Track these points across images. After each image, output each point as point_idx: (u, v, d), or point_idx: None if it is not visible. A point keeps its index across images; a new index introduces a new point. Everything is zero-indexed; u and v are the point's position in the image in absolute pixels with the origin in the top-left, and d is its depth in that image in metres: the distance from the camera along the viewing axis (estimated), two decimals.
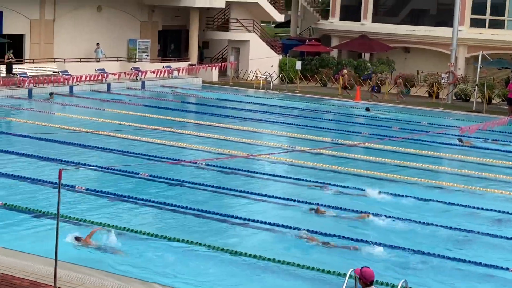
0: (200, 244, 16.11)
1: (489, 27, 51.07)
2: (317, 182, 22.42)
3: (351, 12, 56.38)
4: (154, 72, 42.89)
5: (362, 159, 26.82)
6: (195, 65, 47.36)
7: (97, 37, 46.97)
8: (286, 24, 73.85)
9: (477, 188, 23.15)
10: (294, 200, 20.26)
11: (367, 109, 39.82)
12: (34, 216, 17.67)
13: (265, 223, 18.04)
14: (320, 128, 33.20)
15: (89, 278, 13.19)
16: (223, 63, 47.73)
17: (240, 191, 21.05)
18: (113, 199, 19.65)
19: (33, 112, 33.73)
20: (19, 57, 42.68)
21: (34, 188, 20.38)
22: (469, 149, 29.91)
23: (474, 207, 20.61)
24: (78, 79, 38.84)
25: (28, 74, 40.13)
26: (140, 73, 43.56)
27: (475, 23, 51.50)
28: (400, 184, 23.24)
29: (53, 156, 23.97)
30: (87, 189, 20.22)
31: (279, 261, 15.31)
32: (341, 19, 56.60)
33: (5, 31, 42.39)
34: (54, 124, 30.04)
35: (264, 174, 23.56)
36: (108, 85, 42.51)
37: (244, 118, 34.24)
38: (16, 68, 40.76)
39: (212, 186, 21.42)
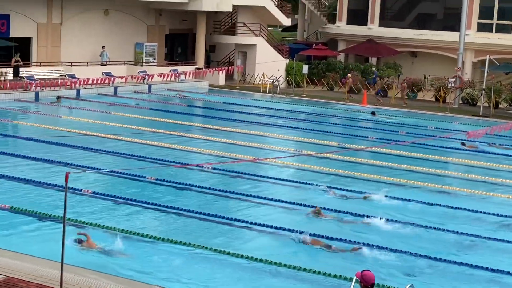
0: (206, 248, 16.11)
1: (496, 32, 51.01)
2: (323, 186, 22.38)
3: (358, 16, 56.37)
4: (161, 76, 42.99)
5: (369, 163, 26.79)
6: (202, 68, 47.44)
7: (104, 41, 47.05)
8: (293, 28, 73.86)
9: (484, 193, 23.12)
10: (300, 204, 20.25)
11: (373, 113, 39.80)
12: (40, 219, 17.70)
13: (271, 227, 18.05)
14: (327, 132, 33.20)
15: (94, 281, 13.21)
16: (230, 67, 47.79)
17: (246, 195, 21.06)
18: (119, 203, 19.66)
19: (40, 115, 33.79)
20: (26, 60, 42.76)
21: (40, 191, 20.41)
22: (475, 154, 29.85)
23: (480, 212, 20.58)
24: (85, 83, 38.94)
25: (35, 77, 40.21)
26: (147, 77, 43.63)
27: (482, 28, 51.42)
28: (407, 188, 23.22)
29: (60, 159, 24.00)
30: (93, 193, 20.25)
31: (285, 265, 15.31)
32: (348, 23, 56.57)
33: (12, 34, 42.47)
34: (60, 127, 30.09)
35: (270, 178, 23.55)
36: (115, 89, 42.58)
37: (251, 122, 34.25)
38: (23, 71, 40.84)
39: (219, 190, 21.43)
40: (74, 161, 23.80)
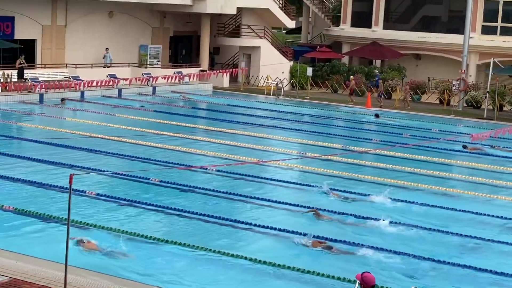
0: (209, 250, 16.13)
1: (500, 34, 50.96)
2: (326, 188, 22.37)
3: (362, 18, 56.36)
4: (165, 78, 42.99)
5: (372, 166, 26.78)
6: (206, 71, 47.45)
7: (109, 43, 47.11)
8: (297, 30, 73.89)
9: (487, 195, 23.11)
10: (304, 206, 20.25)
11: (377, 115, 39.81)
12: (44, 221, 17.72)
13: (274, 229, 18.05)
14: (331, 134, 33.20)
15: (98, 283, 13.22)
16: (234, 69, 47.79)
17: (250, 197, 21.08)
18: (123, 204, 19.70)
19: (44, 117, 33.85)
20: (31, 62, 42.83)
21: (44, 192, 20.44)
22: (479, 156, 29.84)
23: (484, 214, 20.58)
24: (89, 85, 38.99)
25: (40, 79, 40.27)
26: (151, 79, 43.67)
27: (486, 30, 51.40)
28: (410, 190, 23.22)
29: (64, 161, 24.04)
30: (97, 194, 20.28)
31: (288, 267, 15.32)
32: (352, 25, 56.58)
33: (17, 36, 42.54)
34: (65, 129, 30.15)
35: (274, 180, 23.56)
36: (119, 91, 42.63)
37: (255, 124, 34.28)
38: (28, 73, 40.90)
39: (222, 192, 21.45)
40: (78, 162, 23.84)
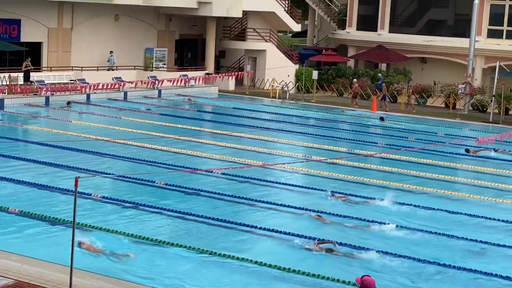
0: (214, 253, 16.13)
1: (506, 38, 50.90)
2: (331, 191, 22.35)
3: (368, 22, 56.37)
4: (170, 81, 42.96)
5: (378, 169, 26.76)
6: (211, 74, 47.50)
7: (114, 46, 47.18)
8: (303, 33, 73.81)
9: (493, 199, 23.07)
10: (309, 210, 20.23)
11: (381, 119, 39.79)
12: (50, 224, 17.75)
13: (280, 232, 18.05)
14: (336, 138, 33.20)
15: (103, 286, 13.23)
16: (240, 72, 47.82)
17: (255, 200, 21.07)
18: (129, 207, 19.71)
19: (50, 120, 33.90)
20: (37, 65, 42.92)
21: (50, 195, 20.47)
22: (485, 160, 29.79)
23: (489, 218, 20.54)
24: (95, 87, 39.01)
25: (46, 82, 40.33)
26: (156, 82, 43.69)
27: (492, 34, 51.34)
28: (416, 194, 23.20)
29: (70, 164, 24.07)
30: (103, 197, 20.30)
31: (294, 270, 15.31)
32: (358, 29, 56.58)
33: (23, 39, 42.65)
34: (70, 132, 30.19)
35: (279, 183, 23.57)
36: (125, 94, 42.69)
37: (260, 127, 34.28)
38: (34, 76, 40.99)
39: (228, 195, 21.46)
40: (84, 165, 23.85)
